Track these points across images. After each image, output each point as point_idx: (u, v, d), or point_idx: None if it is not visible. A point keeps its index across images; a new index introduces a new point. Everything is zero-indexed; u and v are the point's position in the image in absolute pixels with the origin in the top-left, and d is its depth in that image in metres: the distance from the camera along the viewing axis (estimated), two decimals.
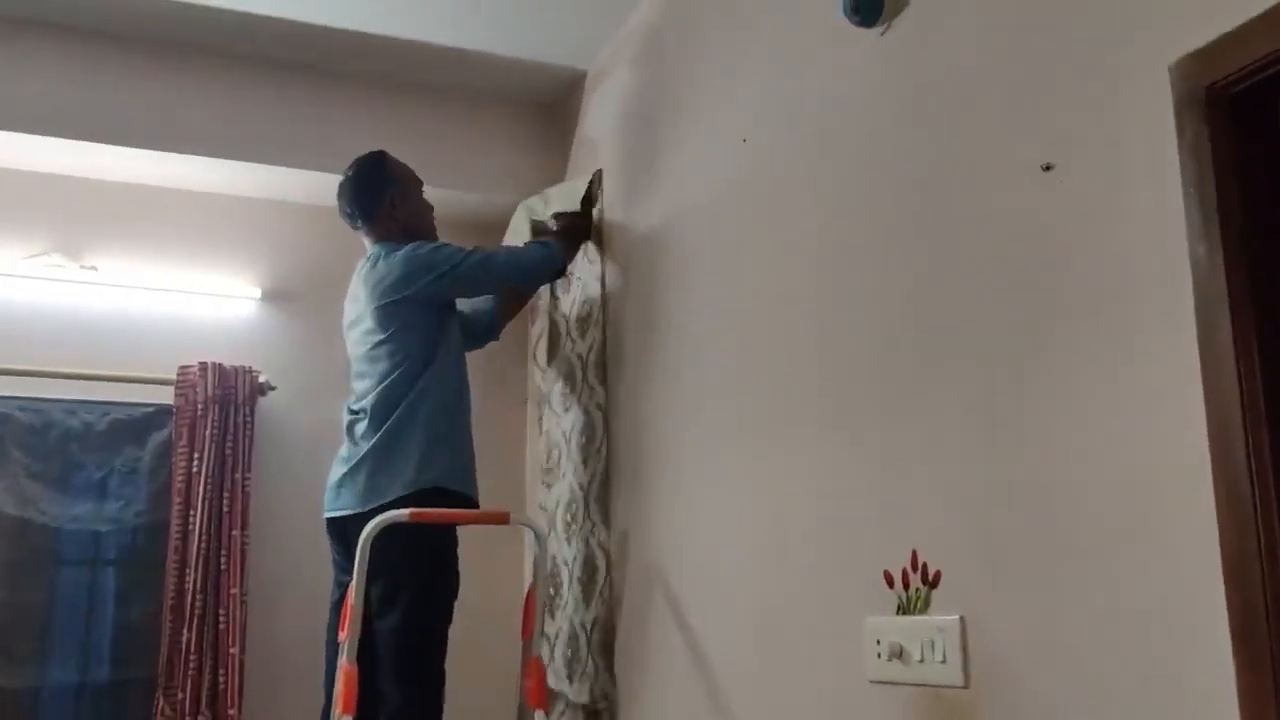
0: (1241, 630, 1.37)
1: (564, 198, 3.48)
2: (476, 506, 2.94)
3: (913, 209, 2.07)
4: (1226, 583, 1.39)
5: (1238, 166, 1.42)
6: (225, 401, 3.59)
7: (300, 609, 3.62)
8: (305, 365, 3.85)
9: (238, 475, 3.55)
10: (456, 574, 2.86)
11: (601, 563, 3.23)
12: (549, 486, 3.54)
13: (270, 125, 3.70)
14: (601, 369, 3.35)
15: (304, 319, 3.89)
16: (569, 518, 3.37)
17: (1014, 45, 1.85)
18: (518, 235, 3.54)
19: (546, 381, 3.63)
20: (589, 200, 3.44)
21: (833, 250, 2.31)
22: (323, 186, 3.73)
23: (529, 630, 2.84)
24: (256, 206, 3.93)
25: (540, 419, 3.71)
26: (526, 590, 3.00)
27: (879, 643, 1.99)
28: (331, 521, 2.91)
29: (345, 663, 2.62)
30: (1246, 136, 1.44)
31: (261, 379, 3.70)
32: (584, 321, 3.44)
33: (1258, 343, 1.38)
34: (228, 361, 3.65)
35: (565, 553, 3.36)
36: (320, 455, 3.59)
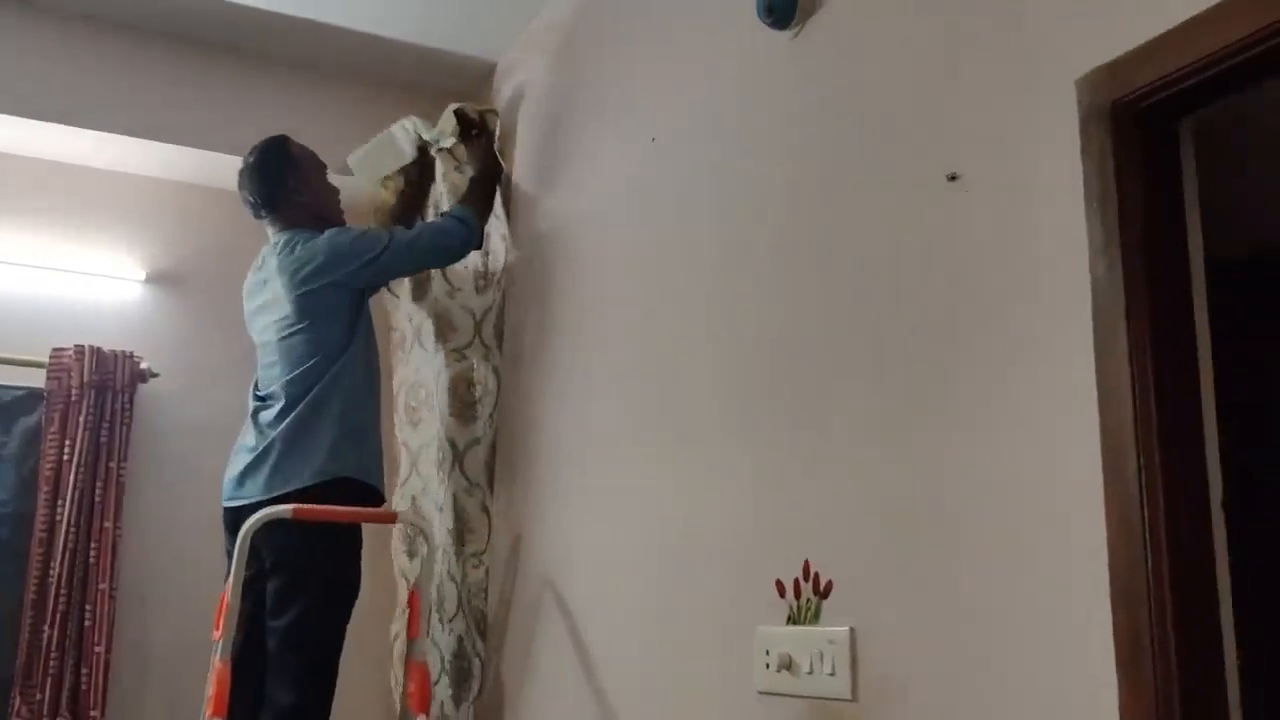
0: (1126, 650, 1.36)
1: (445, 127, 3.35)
2: (382, 499, 2.89)
3: (818, 214, 2.05)
4: (1113, 603, 1.39)
5: (1140, 183, 1.42)
6: (102, 387, 3.43)
7: (175, 607, 3.50)
8: (191, 352, 3.71)
9: (112, 465, 3.40)
10: (359, 572, 2.80)
11: (482, 526, 3.18)
12: (414, 425, 3.45)
13: (165, 100, 3.56)
14: (498, 331, 3.30)
15: (192, 304, 3.75)
16: (440, 472, 3.27)
17: (924, 53, 1.84)
18: (390, 155, 3.44)
19: (415, 316, 3.51)
20: (483, 131, 3.33)
21: (736, 254, 2.29)
22: (218, 167, 3.61)
23: (414, 631, 2.76)
24: (145, 184, 3.77)
25: (403, 349, 3.61)
26: (410, 590, 2.92)
27: (768, 653, 1.96)
28: (231, 512, 2.80)
29: (218, 662, 2.51)
30: (1150, 153, 1.44)
31: (143, 365, 3.55)
32: (483, 277, 3.37)
33: (1153, 361, 1.38)
34: (107, 345, 3.49)
35: (438, 499, 3.27)
36: (205, 446, 3.46)
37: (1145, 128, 1.44)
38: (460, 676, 3.13)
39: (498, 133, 3.35)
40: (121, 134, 3.48)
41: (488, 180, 3.27)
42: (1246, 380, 2.55)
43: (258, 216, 2.99)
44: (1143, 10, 1.42)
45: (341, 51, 3.68)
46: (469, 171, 3.29)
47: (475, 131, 3.32)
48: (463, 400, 3.26)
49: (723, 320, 2.30)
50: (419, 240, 3.01)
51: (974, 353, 1.65)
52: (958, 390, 1.67)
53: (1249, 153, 2.58)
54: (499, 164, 3.33)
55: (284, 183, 2.94)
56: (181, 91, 3.57)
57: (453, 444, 3.21)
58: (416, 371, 3.49)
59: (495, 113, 3.40)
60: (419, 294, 3.45)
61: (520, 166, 3.41)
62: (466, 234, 3.06)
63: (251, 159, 2.97)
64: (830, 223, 2.01)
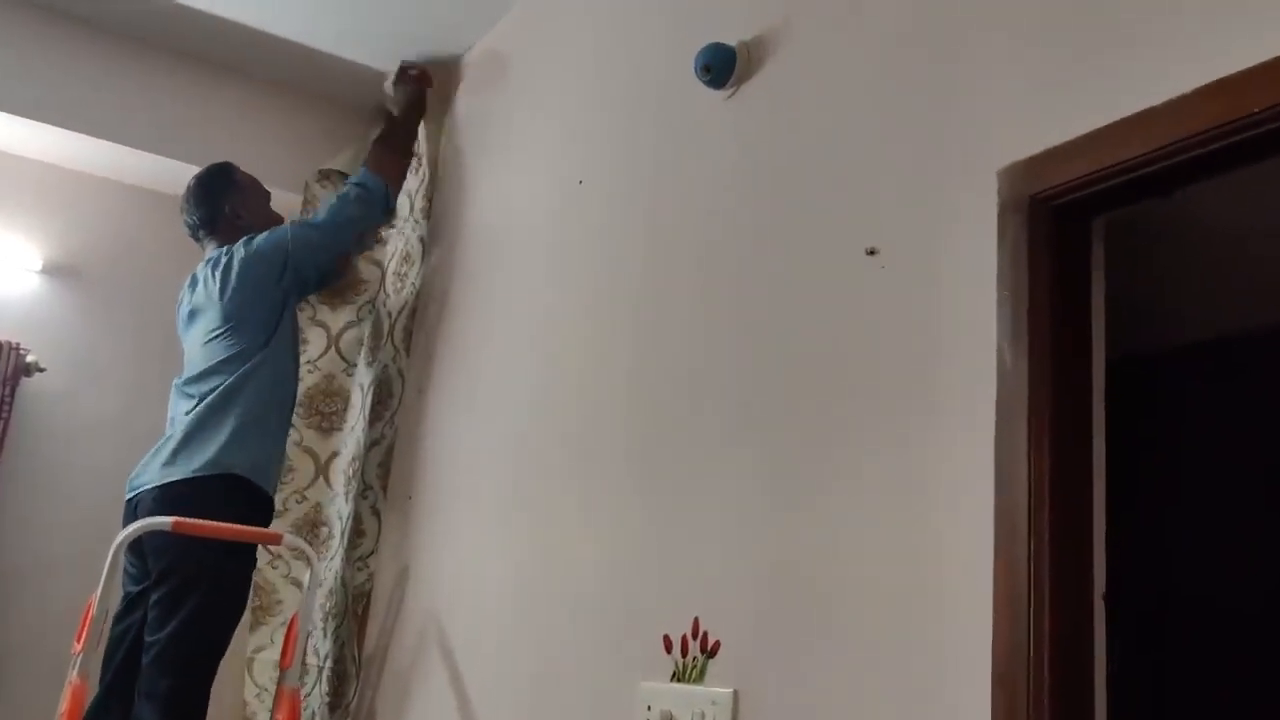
0: None
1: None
2: (272, 505, 2.86)
3: (736, 273, 2.06)
4: (993, 681, 1.41)
5: (1051, 277, 1.46)
6: None
7: (43, 614, 3.34)
8: (84, 350, 3.58)
9: None
10: (248, 590, 2.75)
11: (373, 529, 3.19)
12: (323, 433, 3.39)
13: (80, 88, 3.46)
14: (407, 333, 3.29)
15: (89, 299, 3.63)
16: (350, 472, 3.27)
17: (853, 127, 1.87)
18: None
19: (333, 325, 3.48)
20: (422, 77, 3.43)
21: (651, 305, 2.29)
22: (131, 162, 3.51)
23: (288, 658, 2.66)
24: (51, 172, 3.65)
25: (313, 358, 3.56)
26: (290, 615, 2.82)
27: (650, 708, 1.94)
28: (130, 506, 2.71)
29: (75, 677, 2.38)
30: (1063, 249, 1.48)
31: (29, 358, 3.42)
32: (400, 278, 3.37)
33: (1050, 451, 1.41)
34: None
35: (341, 508, 3.27)
36: (89, 446, 3.34)
37: (1059, 223, 1.49)
38: (337, 682, 3.08)
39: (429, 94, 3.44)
40: (30, 118, 3.37)
41: (405, 127, 3.32)
42: (1138, 474, 2.64)
43: (196, 238, 3.00)
44: (1067, 110, 1.47)
45: (273, 60, 3.62)
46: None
47: (414, 72, 3.40)
48: (373, 400, 3.28)
49: (630, 369, 2.30)
50: (322, 225, 3.01)
51: (877, 426, 1.67)
52: (859, 462, 1.69)
53: (1171, 253, 2.68)
54: (421, 110, 3.39)
55: (225, 207, 2.96)
56: (99, 81, 3.47)
57: (361, 447, 3.23)
58: (331, 379, 3.44)
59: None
60: (338, 301, 3.42)
61: (446, 183, 3.40)
62: (367, 197, 3.06)
63: (193, 182, 2.99)
64: (748, 282, 2.03)
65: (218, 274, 2.84)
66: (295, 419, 3.32)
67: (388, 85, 3.47)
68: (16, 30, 3.36)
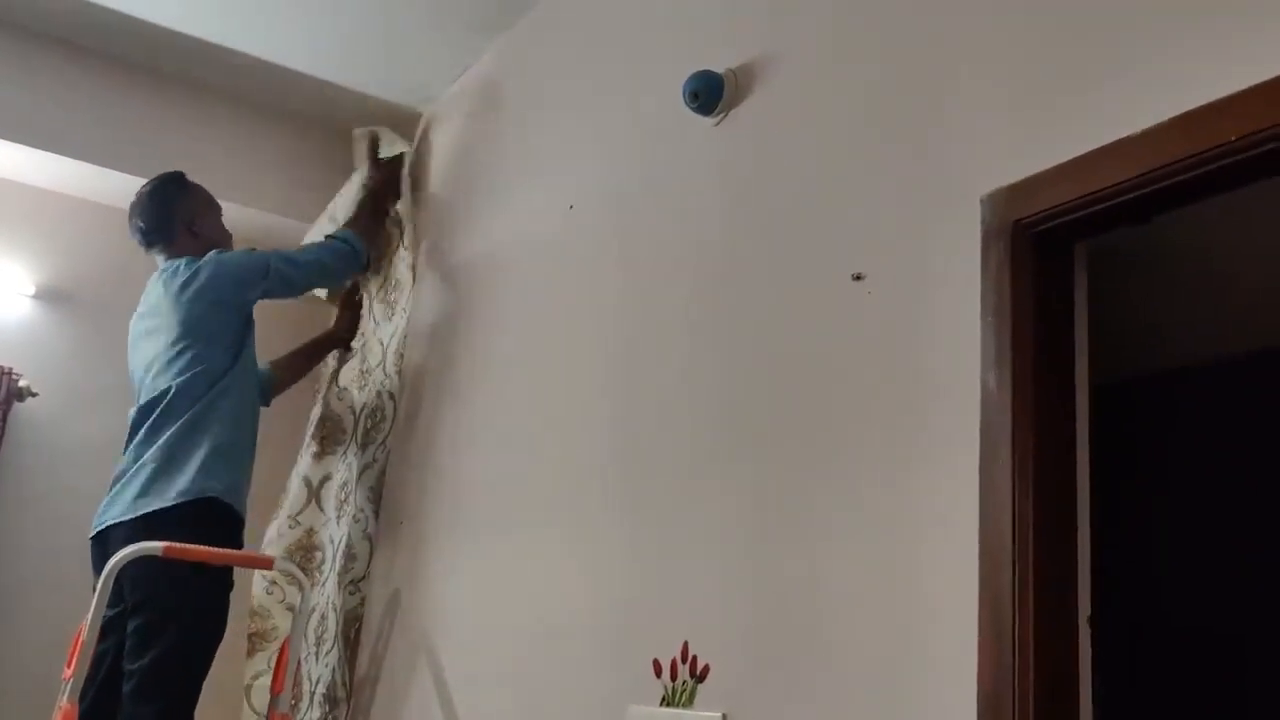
0: None
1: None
2: (243, 526, 2.81)
3: (725, 298, 2.08)
4: (979, 707, 1.41)
5: (1035, 303, 1.47)
6: None
7: (30, 638, 3.33)
8: (77, 375, 3.59)
9: None
10: (226, 614, 2.71)
11: (364, 553, 3.20)
12: (316, 459, 3.39)
13: (72, 113, 3.47)
14: (400, 357, 3.32)
15: (82, 324, 3.63)
16: (342, 496, 3.28)
17: (840, 155, 1.89)
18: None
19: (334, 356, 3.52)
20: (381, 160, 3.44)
21: (640, 331, 2.30)
22: (122, 186, 3.51)
23: (279, 685, 2.65)
24: (43, 197, 3.66)
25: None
26: (281, 641, 2.82)
27: None
28: (95, 542, 2.67)
29: (64, 703, 2.38)
30: (1046, 274, 1.49)
31: (22, 383, 3.42)
32: (390, 305, 3.39)
33: (1034, 475, 1.42)
34: None
35: (334, 532, 3.28)
36: (81, 471, 3.34)
37: (1043, 248, 1.50)
38: (328, 707, 3.08)
39: (405, 171, 3.46)
40: (23, 143, 3.38)
41: (380, 201, 3.37)
42: (1124, 496, 2.65)
43: (149, 245, 2.93)
44: (1050, 138, 1.49)
45: (266, 85, 3.64)
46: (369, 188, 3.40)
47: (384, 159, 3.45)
48: (365, 425, 3.29)
49: (619, 395, 2.31)
50: (304, 264, 3.02)
51: (862, 450, 1.68)
52: (845, 486, 1.69)
53: (1158, 277, 2.70)
54: (395, 190, 3.44)
55: (179, 211, 2.92)
56: (94, 106, 3.49)
57: (352, 471, 3.24)
58: (327, 405, 3.45)
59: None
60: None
61: (434, 210, 3.41)
62: (352, 256, 3.12)
63: (146, 188, 2.94)
64: (735, 308, 2.04)
65: (179, 285, 2.76)
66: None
67: (361, 143, 3.50)
68: (10, 56, 3.38)
